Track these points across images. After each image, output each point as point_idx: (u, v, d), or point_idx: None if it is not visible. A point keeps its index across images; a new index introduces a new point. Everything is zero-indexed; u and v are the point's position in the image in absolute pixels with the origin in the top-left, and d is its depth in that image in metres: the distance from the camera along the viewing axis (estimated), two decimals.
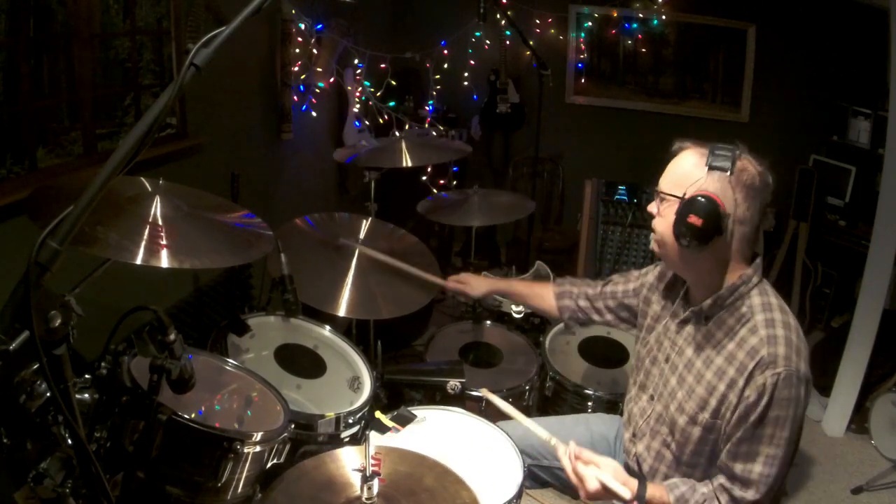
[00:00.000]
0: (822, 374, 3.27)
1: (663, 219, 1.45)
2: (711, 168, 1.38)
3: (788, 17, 3.95)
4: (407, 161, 2.59)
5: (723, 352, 1.42)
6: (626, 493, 1.41)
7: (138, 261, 1.33)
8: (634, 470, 1.63)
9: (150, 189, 1.59)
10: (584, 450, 1.49)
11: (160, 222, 1.47)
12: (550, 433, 1.83)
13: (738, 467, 1.38)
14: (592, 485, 1.42)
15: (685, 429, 1.47)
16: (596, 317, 1.90)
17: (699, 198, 1.36)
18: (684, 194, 1.39)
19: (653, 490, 1.43)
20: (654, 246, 1.52)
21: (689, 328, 1.52)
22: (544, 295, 1.99)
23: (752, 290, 1.44)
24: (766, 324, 1.39)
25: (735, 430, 1.38)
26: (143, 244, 1.38)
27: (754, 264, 1.45)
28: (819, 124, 4.03)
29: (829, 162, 3.91)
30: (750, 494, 1.37)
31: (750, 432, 1.36)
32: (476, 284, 2.10)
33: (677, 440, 1.50)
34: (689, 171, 1.41)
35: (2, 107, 1.91)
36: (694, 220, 1.35)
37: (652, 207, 1.50)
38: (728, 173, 1.37)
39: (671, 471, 1.52)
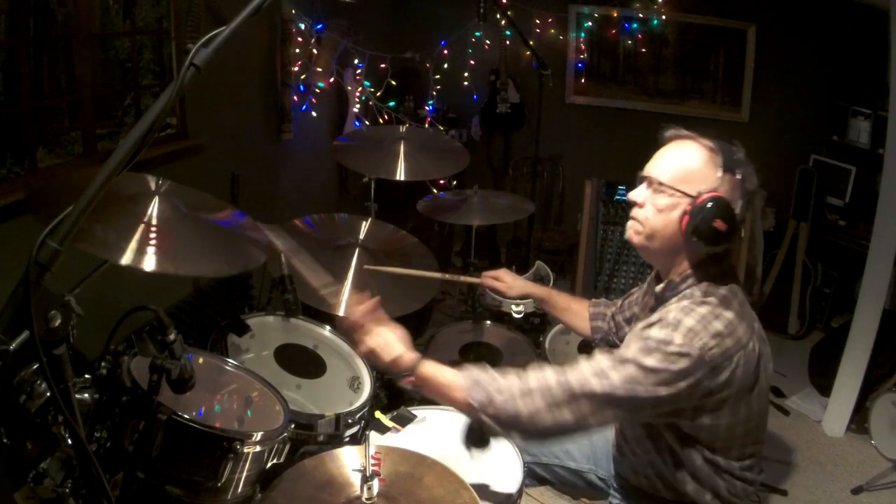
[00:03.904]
0: (822, 374, 3.27)
1: (660, 213, 1.39)
2: (727, 170, 1.35)
3: (788, 17, 3.95)
4: (402, 174, 2.57)
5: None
6: (397, 352, 1.40)
7: (125, 262, 1.35)
8: (622, 441, 1.63)
9: (151, 188, 1.58)
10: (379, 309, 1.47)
11: (154, 223, 1.48)
12: None
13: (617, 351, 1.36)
14: (372, 341, 1.42)
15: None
16: (622, 333, 1.83)
17: (721, 201, 1.32)
18: (698, 194, 1.34)
19: (434, 369, 1.40)
20: (631, 235, 1.46)
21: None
22: (580, 313, 1.93)
23: (703, 282, 1.39)
24: (695, 302, 1.35)
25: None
26: (134, 246, 1.39)
27: (725, 280, 1.40)
28: (819, 124, 4.03)
29: (829, 162, 3.91)
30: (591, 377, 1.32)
31: (637, 332, 1.35)
32: (512, 283, 2.01)
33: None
34: (700, 170, 1.37)
35: (2, 107, 1.91)
36: (720, 224, 1.31)
37: (636, 196, 1.43)
38: (739, 177, 1.35)
39: (640, 431, 1.52)
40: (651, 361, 1.28)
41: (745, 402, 1.37)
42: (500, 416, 1.33)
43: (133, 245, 1.38)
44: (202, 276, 2.67)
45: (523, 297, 2.03)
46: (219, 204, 1.79)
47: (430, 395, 1.42)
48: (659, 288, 1.47)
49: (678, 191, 1.37)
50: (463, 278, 2.13)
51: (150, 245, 1.41)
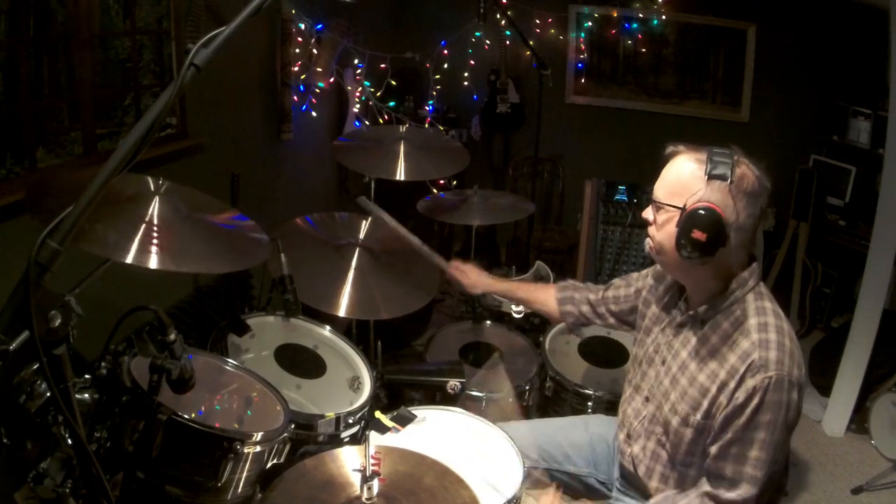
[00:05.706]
0: (822, 374, 3.27)
1: (661, 229, 1.44)
2: (711, 177, 1.35)
3: (788, 17, 3.95)
4: (402, 174, 2.57)
5: (716, 355, 1.42)
6: None
7: (129, 260, 1.35)
8: (630, 471, 1.63)
9: (151, 188, 1.59)
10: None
11: (156, 223, 1.48)
12: (550, 434, 1.83)
13: (729, 469, 1.37)
14: None
15: (678, 430, 1.47)
16: (598, 321, 1.90)
17: (702, 211, 1.34)
18: (685, 205, 1.37)
19: None
20: (649, 251, 1.51)
21: (686, 331, 1.52)
22: (546, 300, 1.98)
23: (748, 293, 1.43)
24: (759, 328, 1.38)
25: (723, 433, 1.37)
26: (136, 244, 1.39)
27: (750, 268, 1.44)
28: (819, 124, 4.03)
29: (829, 162, 3.91)
30: (735, 494, 1.36)
31: (739, 435, 1.35)
32: (475, 281, 2.07)
33: (671, 440, 1.50)
34: (687, 181, 1.39)
35: (2, 107, 1.91)
36: (698, 234, 1.33)
37: (647, 214, 1.48)
38: (728, 182, 1.35)
39: (667, 470, 1.52)
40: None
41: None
42: None
43: (136, 244, 1.39)
44: (204, 273, 2.67)
45: (485, 293, 2.12)
46: (219, 205, 1.79)
47: None
48: (702, 309, 1.46)
49: (668, 204, 1.41)
50: (437, 259, 2.15)
51: (152, 244, 1.41)
